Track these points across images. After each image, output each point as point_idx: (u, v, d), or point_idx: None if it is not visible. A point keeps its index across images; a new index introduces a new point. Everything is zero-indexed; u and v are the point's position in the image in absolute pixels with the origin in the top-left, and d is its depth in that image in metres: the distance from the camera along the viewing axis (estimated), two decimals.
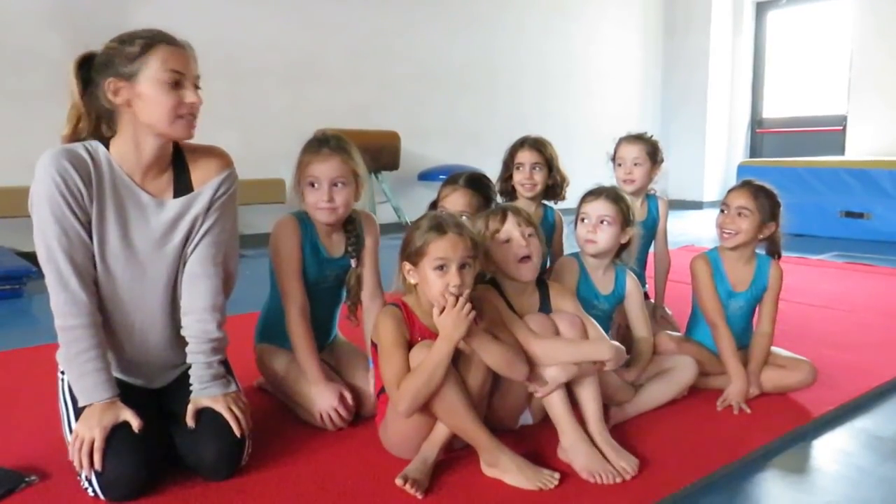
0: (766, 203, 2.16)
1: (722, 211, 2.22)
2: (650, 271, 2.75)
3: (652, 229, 2.69)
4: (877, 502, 1.58)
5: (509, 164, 2.54)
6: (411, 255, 1.64)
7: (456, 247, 1.60)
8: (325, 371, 1.94)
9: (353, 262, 2.03)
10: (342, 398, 1.88)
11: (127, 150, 1.58)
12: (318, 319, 2.03)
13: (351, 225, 2.03)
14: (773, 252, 2.23)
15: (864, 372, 2.36)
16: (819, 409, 2.05)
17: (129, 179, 1.59)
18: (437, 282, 1.60)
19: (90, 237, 1.55)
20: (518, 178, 2.50)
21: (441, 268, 1.60)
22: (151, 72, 1.50)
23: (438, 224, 1.63)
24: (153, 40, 1.51)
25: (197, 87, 1.56)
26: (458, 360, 1.65)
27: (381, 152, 5.83)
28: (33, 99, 4.49)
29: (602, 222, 2.03)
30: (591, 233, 2.03)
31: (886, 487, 1.64)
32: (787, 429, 1.91)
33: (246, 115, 5.42)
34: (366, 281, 2.06)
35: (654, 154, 2.62)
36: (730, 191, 2.24)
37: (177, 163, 1.65)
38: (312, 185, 1.92)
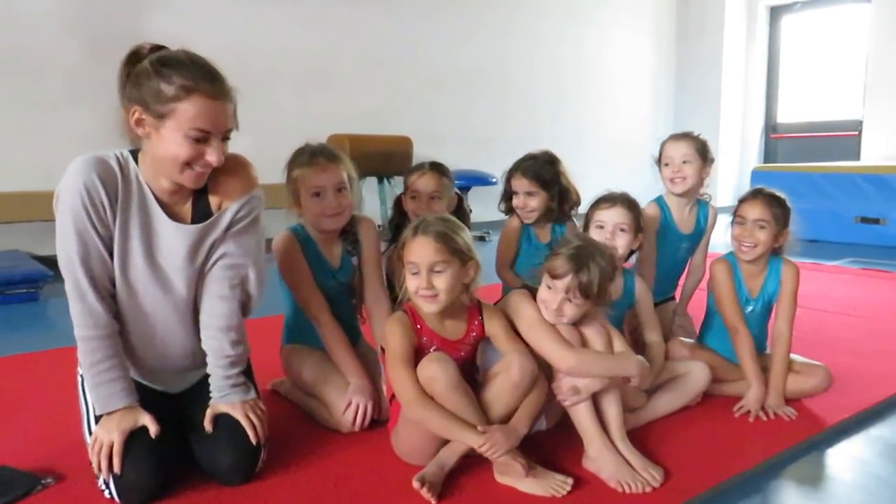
0: (781, 212, 2.14)
1: (739, 223, 2.16)
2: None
3: (697, 242, 2.55)
4: None
5: (507, 187, 2.47)
6: (400, 256, 1.68)
7: (422, 250, 1.61)
8: (366, 373, 1.97)
9: (354, 261, 2.07)
10: (374, 402, 1.92)
11: (149, 168, 1.57)
12: (338, 320, 2.04)
13: (347, 226, 2.07)
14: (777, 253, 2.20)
15: (880, 379, 2.34)
16: (835, 416, 2.03)
17: (154, 197, 1.58)
18: (411, 283, 1.64)
19: (110, 252, 1.55)
20: (515, 202, 2.44)
21: (415, 271, 1.63)
22: (179, 122, 1.44)
23: (415, 227, 1.66)
24: (192, 86, 1.43)
25: (226, 139, 1.52)
26: (482, 388, 1.67)
27: (393, 157, 5.84)
28: (51, 105, 4.54)
29: (621, 230, 2.02)
30: (610, 241, 2.01)
31: None
32: (803, 437, 1.90)
33: (259, 120, 5.42)
34: (368, 284, 2.09)
35: (703, 151, 2.42)
36: (743, 201, 2.18)
37: None
38: (317, 195, 1.96)
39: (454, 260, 1.63)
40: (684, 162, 2.41)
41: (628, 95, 8.48)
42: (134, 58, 1.52)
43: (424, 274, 1.61)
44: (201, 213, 1.62)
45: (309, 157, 1.99)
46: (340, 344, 1.98)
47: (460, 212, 2.38)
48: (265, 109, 5.56)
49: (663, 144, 2.50)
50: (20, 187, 4.26)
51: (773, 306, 2.22)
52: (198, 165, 1.51)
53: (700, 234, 2.55)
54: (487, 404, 1.65)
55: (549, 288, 1.73)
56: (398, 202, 2.38)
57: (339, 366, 1.98)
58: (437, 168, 2.31)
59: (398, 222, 2.32)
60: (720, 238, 2.38)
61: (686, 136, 2.47)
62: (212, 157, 1.49)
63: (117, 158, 1.55)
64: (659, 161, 2.50)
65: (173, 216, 1.60)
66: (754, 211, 2.13)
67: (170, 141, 1.47)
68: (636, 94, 8.60)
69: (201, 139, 1.47)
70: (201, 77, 1.46)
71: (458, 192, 2.51)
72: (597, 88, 8.13)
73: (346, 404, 1.89)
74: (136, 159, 1.58)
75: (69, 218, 1.49)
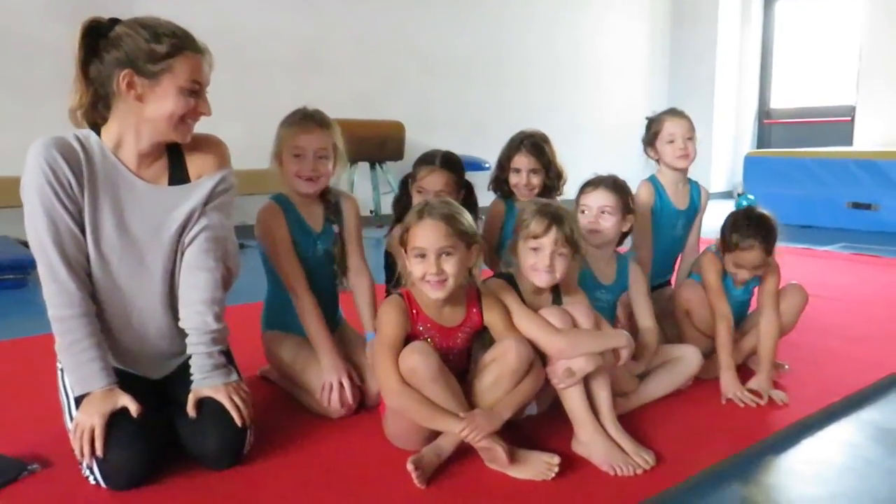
0: (773, 246, 2.11)
1: (736, 265, 2.11)
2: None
3: (692, 219, 2.56)
4: (883, 494, 1.56)
5: (505, 165, 2.45)
6: (402, 242, 1.65)
7: (432, 234, 1.58)
8: (337, 349, 1.97)
9: (335, 228, 2.09)
10: (349, 375, 1.91)
11: (123, 137, 1.58)
12: (319, 294, 2.04)
13: (328, 195, 2.10)
14: None
15: (871, 364, 2.34)
16: (825, 400, 2.03)
17: (124, 166, 1.59)
18: (417, 269, 1.60)
19: (82, 228, 1.54)
20: (515, 180, 2.43)
21: (421, 255, 1.59)
22: (175, 78, 1.51)
23: (420, 210, 1.63)
24: (181, 44, 1.52)
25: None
26: (478, 375, 1.66)
27: (386, 143, 5.82)
28: (38, 90, 4.49)
29: (603, 213, 2.01)
30: (593, 224, 2.01)
31: (893, 480, 1.63)
32: (793, 420, 1.90)
33: (251, 105, 5.41)
34: (350, 259, 2.12)
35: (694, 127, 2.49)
36: (739, 247, 2.08)
37: (172, 150, 1.65)
38: (297, 155, 1.98)
39: (460, 244, 1.61)
40: (688, 139, 2.44)
41: (623, 81, 8.45)
42: (94, 31, 1.53)
43: (433, 259, 1.58)
44: (178, 179, 1.65)
45: (300, 118, 2.01)
46: (314, 318, 1.98)
47: (469, 201, 2.36)
48: (257, 94, 5.52)
49: (661, 122, 2.48)
50: (7, 173, 4.21)
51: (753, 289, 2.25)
52: (190, 118, 1.58)
53: (695, 211, 2.56)
54: (483, 392, 1.64)
55: (535, 250, 1.74)
56: (405, 182, 2.35)
57: (312, 341, 1.97)
58: (448, 165, 2.24)
59: (405, 204, 2.29)
60: (715, 223, 2.36)
61: (685, 114, 2.49)
62: (204, 107, 1.58)
63: (76, 136, 1.56)
64: (654, 137, 2.48)
65: (148, 180, 1.62)
66: (752, 259, 2.08)
67: (165, 98, 1.52)
68: (631, 80, 8.57)
69: (195, 92, 1.55)
70: (184, 35, 1.54)
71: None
72: (591, 74, 8.10)
73: (322, 388, 1.88)
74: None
75: (36, 198, 1.49)
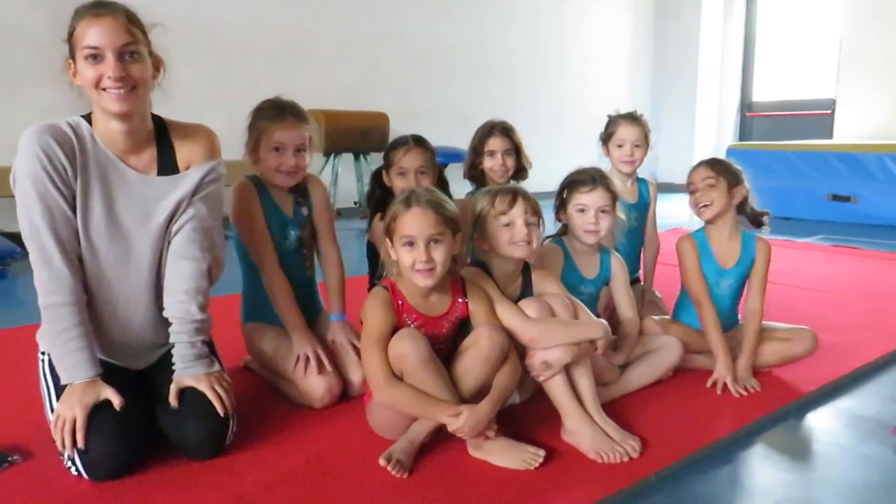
0: (724, 168, 2.19)
1: (692, 192, 2.22)
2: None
3: (644, 212, 2.66)
4: (857, 480, 1.59)
5: (479, 150, 2.52)
6: (388, 231, 1.65)
7: (421, 222, 1.59)
8: (306, 327, 2.00)
9: (304, 211, 2.10)
10: (321, 347, 1.94)
11: (102, 125, 1.58)
12: (294, 284, 2.05)
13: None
14: (756, 217, 2.23)
15: (847, 353, 2.38)
16: (802, 388, 2.07)
17: (113, 154, 1.58)
18: (405, 257, 1.60)
19: (74, 213, 1.54)
20: (490, 164, 2.50)
21: (410, 244, 1.59)
22: (78, 49, 1.50)
23: (407, 198, 1.63)
24: (78, 16, 1.50)
25: (132, 56, 1.51)
26: (453, 362, 1.67)
27: (370, 133, 5.79)
28: (16, 78, 4.44)
29: (603, 212, 2.02)
30: (594, 224, 2.01)
31: (867, 466, 1.66)
32: (771, 409, 1.93)
33: (233, 95, 5.35)
34: (321, 242, 2.14)
35: (648, 136, 2.60)
36: (690, 173, 2.25)
37: (161, 140, 1.64)
38: (277, 149, 1.98)
39: (448, 231, 1.62)
40: (636, 146, 2.56)
41: (606, 72, 8.47)
42: None
43: (423, 246, 1.58)
44: (167, 169, 1.64)
45: (278, 111, 2.01)
46: (284, 297, 2.00)
47: (441, 183, 2.37)
48: (239, 84, 5.48)
49: (615, 124, 2.59)
50: None
51: (746, 281, 2.24)
52: (109, 86, 1.50)
53: (645, 204, 2.67)
54: (458, 378, 1.65)
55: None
56: (377, 176, 2.35)
57: (282, 318, 2.00)
58: (421, 142, 2.28)
59: (379, 196, 2.30)
60: (688, 219, 2.39)
61: (638, 120, 2.59)
62: (109, 71, 1.48)
63: (68, 123, 1.56)
64: (609, 138, 2.60)
65: (137, 169, 1.61)
66: (699, 173, 2.20)
67: (80, 71, 1.51)
68: (614, 72, 8.59)
69: (96, 57, 1.49)
70: (86, 6, 1.51)
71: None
72: (574, 65, 8.12)
73: (295, 363, 1.90)
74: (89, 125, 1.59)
75: (29, 184, 1.49)
